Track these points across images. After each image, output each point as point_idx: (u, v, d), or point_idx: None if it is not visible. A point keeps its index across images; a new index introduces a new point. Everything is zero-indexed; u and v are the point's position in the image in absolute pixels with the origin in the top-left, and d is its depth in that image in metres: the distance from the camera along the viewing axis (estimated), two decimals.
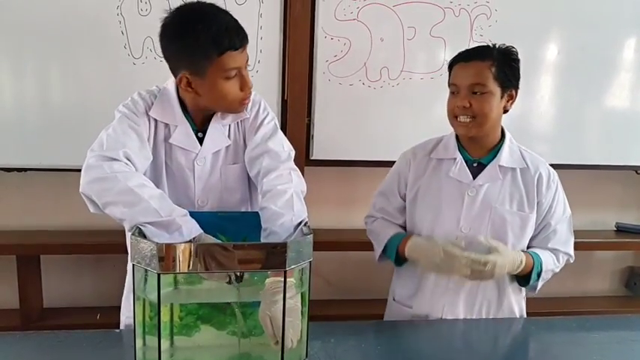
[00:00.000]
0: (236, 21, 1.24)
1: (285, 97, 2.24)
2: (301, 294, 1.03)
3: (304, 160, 2.24)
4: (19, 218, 2.34)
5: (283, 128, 1.46)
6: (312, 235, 1.01)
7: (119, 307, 1.47)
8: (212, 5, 1.23)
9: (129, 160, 1.20)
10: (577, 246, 2.57)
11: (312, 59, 2.24)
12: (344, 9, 2.21)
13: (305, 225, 1.15)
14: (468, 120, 1.41)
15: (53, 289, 2.41)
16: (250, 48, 2.10)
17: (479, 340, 1.43)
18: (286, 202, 1.19)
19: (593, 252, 2.87)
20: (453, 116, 1.45)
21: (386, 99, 2.30)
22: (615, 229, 2.78)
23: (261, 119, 1.39)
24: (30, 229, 2.34)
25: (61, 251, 2.28)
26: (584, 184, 2.71)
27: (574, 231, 2.50)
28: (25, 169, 2.20)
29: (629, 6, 2.42)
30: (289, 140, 1.43)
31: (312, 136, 2.30)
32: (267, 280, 1.02)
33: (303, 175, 1.34)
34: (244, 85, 1.27)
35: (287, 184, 1.24)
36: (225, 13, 1.24)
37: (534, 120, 2.46)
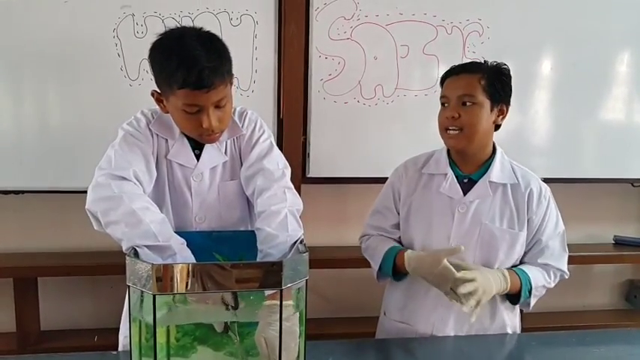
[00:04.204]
0: (212, 60, 1.17)
1: (281, 116, 2.25)
2: (298, 313, 1.03)
3: (300, 178, 2.25)
4: (16, 241, 2.33)
5: (279, 147, 1.46)
6: (308, 253, 1.01)
7: (117, 329, 1.46)
8: (198, 36, 1.20)
9: (137, 179, 1.22)
10: (575, 260, 2.57)
11: (307, 78, 2.26)
12: (337, 28, 2.24)
13: (301, 243, 1.15)
14: (457, 132, 1.42)
15: (50, 311, 2.39)
16: (245, 68, 2.17)
17: (480, 356, 1.42)
18: (280, 222, 1.20)
19: (592, 266, 2.86)
20: (443, 128, 1.46)
21: (381, 116, 2.32)
22: (613, 242, 2.77)
23: (256, 137, 1.39)
24: (27, 252, 2.33)
25: (58, 273, 2.27)
26: (581, 198, 2.71)
27: (572, 245, 2.49)
28: (23, 192, 2.20)
29: (619, 22, 2.45)
30: (285, 159, 1.42)
31: (308, 154, 2.31)
32: (265, 303, 1.02)
33: (299, 193, 1.35)
34: (204, 124, 1.23)
35: (281, 204, 1.24)
36: (205, 49, 1.17)
37: (529, 135, 2.48)
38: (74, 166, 2.12)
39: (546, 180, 2.56)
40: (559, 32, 2.42)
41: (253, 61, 2.20)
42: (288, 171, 1.38)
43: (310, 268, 0.99)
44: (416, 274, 1.42)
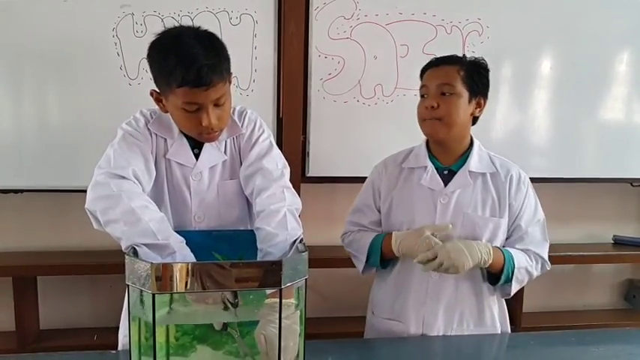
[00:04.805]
0: (210, 58, 1.18)
1: (281, 115, 2.25)
2: (299, 311, 1.03)
3: (300, 177, 2.25)
4: (15, 240, 2.33)
5: (279, 146, 1.46)
6: (307, 253, 1.01)
7: (116, 328, 1.46)
8: (196, 35, 1.20)
9: (137, 178, 1.22)
10: (575, 259, 2.59)
11: (307, 77, 2.27)
12: (337, 28, 2.24)
13: (300, 242, 1.15)
14: (436, 120, 1.44)
15: (50, 310, 2.39)
16: (245, 67, 2.17)
17: (480, 355, 1.42)
18: (279, 221, 1.20)
19: (591, 265, 2.87)
20: (421, 119, 1.48)
21: (380, 115, 2.32)
22: (613, 242, 2.78)
23: (256, 137, 1.40)
24: (26, 251, 2.33)
25: (57, 272, 2.27)
26: (580, 198, 2.72)
27: (571, 244, 2.49)
28: (22, 191, 2.20)
29: (619, 21, 2.45)
30: (285, 158, 1.43)
31: (308, 153, 2.31)
32: (267, 300, 1.02)
33: (298, 192, 1.35)
34: (204, 122, 1.23)
35: (280, 203, 1.24)
36: (203, 47, 1.18)
37: (529, 135, 2.48)
38: (73, 165, 2.12)
39: (546, 180, 2.56)
40: (558, 32, 2.42)
41: (253, 61, 2.20)
42: (287, 171, 1.38)
43: (310, 267, 1.00)
44: (402, 248, 1.44)
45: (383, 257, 1.53)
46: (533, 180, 2.29)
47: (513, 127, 2.43)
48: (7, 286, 2.23)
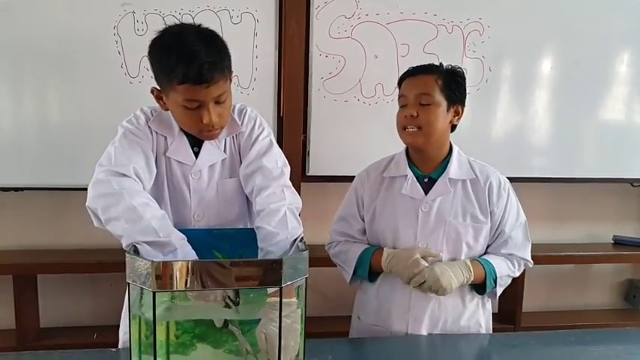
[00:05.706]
0: (212, 55, 1.18)
1: (281, 114, 2.25)
2: (300, 310, 1.03)
3: (300, 176, 2.25)
4: (15, 238, 2.33)
5: (279, 145, 1.46)
6: (307, 251, 1.01)
7: (117, 326, 1.46)
8: (197, 32, 1.21)
9: (137, 176, 1.23)
10: (575, 259, 2.59)
11: (308, 76, 2.26)
12: (338, 27, 2.24)
13: (301, 241, 1.15)
14: (415, 130, 1.45)
15: (50, 308, 2.39)
16: (246, 66, 2.17)
17: (480, 355, 1.43)
18: (280, 220, 1.20)
19: (591, 265, 2.87)
20: (401, 127, 1.50)
21: (381, 115, 2.32)
22: (613, 242, 2.78)
23: (256, 135, 1.40)
24: (27, 249, 2.33)
25: (57, 270, 2.27)
26: (581, 198, 2.72)
27: (571, 244, 2.50)
28: (23, 189, 2.20)
29: (620, 21, 2.46)
30: (285, 157, 1.42)
31: (308, 152, 2.31)
32: (269, 299, 1.02)
33: (299, 191, 1.35)
34: (205, 119, 1.23)
35: (280, 202, 1.24)
36: (204, 44, 1.18)
37: (529, 134, 2.47)
38: (74, 163, 2.12)
39: (546, 180, 2.56)
40: (559, 31, 2.42)
41: (254, 60, 2.19)
42: (288, 169, 1.38)
43: (310, 266, 1.00)
44: (390, 266, 1.46)
45: (371, 270, 1.54)
46: (533, 180, 2.29)
47: (514, 126, 2.42)
48: (7, 284, 2.23)
